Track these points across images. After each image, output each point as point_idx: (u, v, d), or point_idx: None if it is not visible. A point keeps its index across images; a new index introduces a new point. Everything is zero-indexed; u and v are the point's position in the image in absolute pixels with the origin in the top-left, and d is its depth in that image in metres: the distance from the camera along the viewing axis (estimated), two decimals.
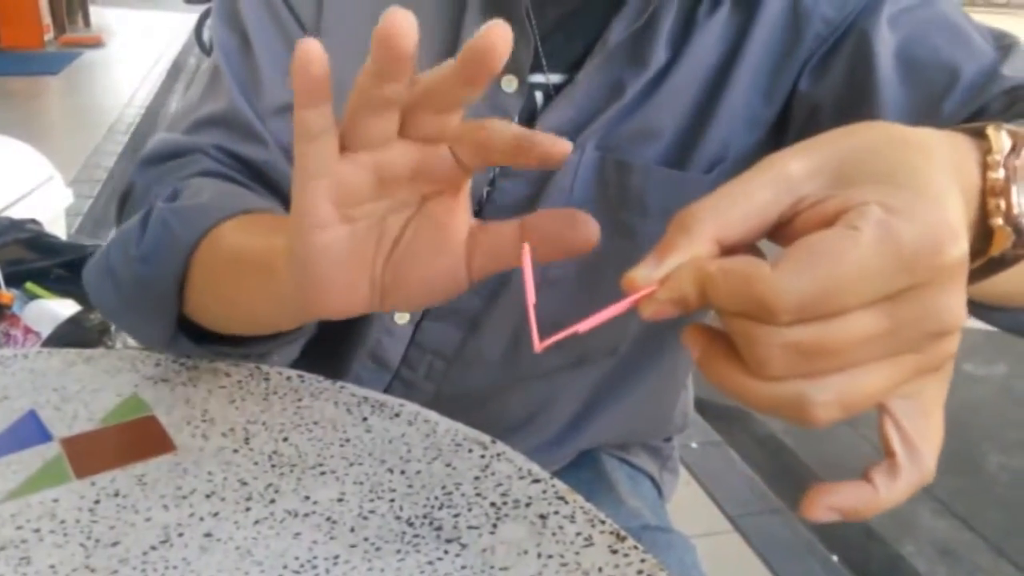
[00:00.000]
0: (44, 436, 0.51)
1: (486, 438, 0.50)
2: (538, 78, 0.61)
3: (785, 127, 0.62)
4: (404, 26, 0.31)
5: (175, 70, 5.24)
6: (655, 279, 0.30)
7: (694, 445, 1.89)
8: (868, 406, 0.29)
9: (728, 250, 0.30)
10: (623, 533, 0.43)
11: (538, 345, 0.33)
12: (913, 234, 0.27)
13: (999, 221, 0.32)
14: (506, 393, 0.71)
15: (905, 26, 0.58)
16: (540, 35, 0.60)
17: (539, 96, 0.62)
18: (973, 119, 0.53)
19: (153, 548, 0.41)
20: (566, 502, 0.45)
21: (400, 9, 0.31)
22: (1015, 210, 0.32)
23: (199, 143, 0.63)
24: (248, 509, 0.44)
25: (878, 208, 0.28)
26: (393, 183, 0.38)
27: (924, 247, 0.27)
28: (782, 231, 0.30)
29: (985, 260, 0.33)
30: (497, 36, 0.31)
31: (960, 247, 0.28)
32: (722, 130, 0.61)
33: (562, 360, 0.68)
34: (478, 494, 0.46)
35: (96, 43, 5.66)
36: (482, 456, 0.49)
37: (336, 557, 0.41)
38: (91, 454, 0.49)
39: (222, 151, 0.63)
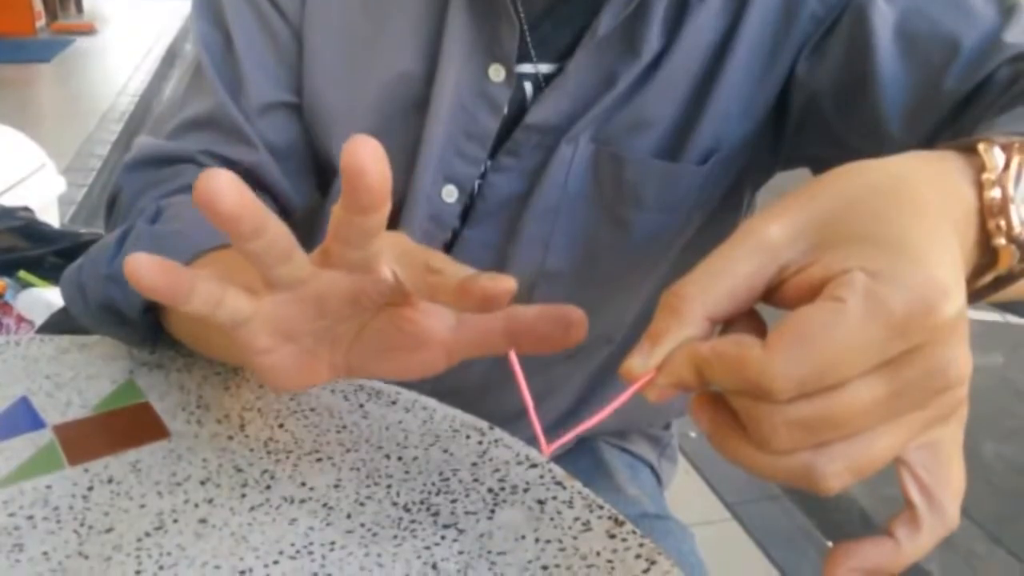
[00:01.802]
0: (37, 423, 0.50)
1: (483, 424, 0.50)
2: (527, 68, 0.60)
3: (783, 114, 0.61)
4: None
5: (170, 58, 5.20)
6: (651, 367, 0.30)
7: (693, 435, 1.89)
8: (879, 467, 0.29)
9: (723, 321, 0.30)
10: (621, 518, 0.42)
11: (546, 449, 0.34)
12: (901, 299, 0.27)
13: (1002, 241, 0.31)
14: (503, 386, 0.70)
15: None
16: (528, 23, 0.59)
17: (528, 87, 0.61)
18: (977, 92, 0.52)
19: (147, 534, 0.41)
20: (564, 487, 0.45)
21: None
22: (1016, 229, 0.31)
23: (187, 150, 0.62)
24: (243, 495, 0.44)
25: (862, 275, 0.27)
26: (331, 310, 0.38)
27: (915, 310, 0.27)
28: (773, 296, 0.30)
29: (992, 278, 0.33)
30: (366, 155, 0.30)
31: (953, 303, 0.27)
32: (716, 120, 0.60)
33: (560, 352, 0.68)
34: (475, 480, 0.45)
35: (89, 30, 5.62)
36: (479, 442, 0.48)
37: (332, 543, 0.41)
38: (84, 441, 0.49)
39: (210, 156, 0.62)
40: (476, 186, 0.63)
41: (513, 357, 0.35)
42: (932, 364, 0.27)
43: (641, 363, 0.30)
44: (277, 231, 0.33)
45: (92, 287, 0.55)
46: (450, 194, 0.62)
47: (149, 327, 0.55)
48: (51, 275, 1.39)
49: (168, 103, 0.67)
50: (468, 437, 0.49)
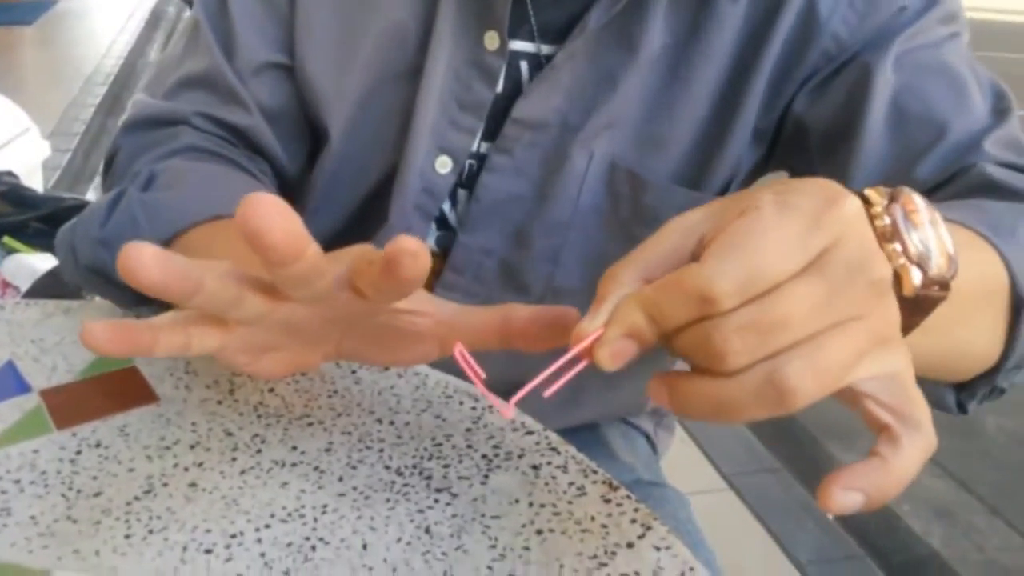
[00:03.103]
0: (22, 387, 0.49)
1: (477, 391, 0.49)
2: (527, 47, 0.58)
3: (775, 139, 0.61)
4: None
5: (154, 20, 5.12)
6: (599, 324, 0.32)
7: None
8: (839, 376, 0.30)
9: None
10: (616, 483, 0.42)
11: (507, 412, 0.34)
12: (805, 197, 0.30)
13: (900, 261, 0.33)
14: (500, 355, 0.69)
15: (907, 69, 0.56)
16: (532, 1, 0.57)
17: (525, 67, 0.59)
18: (939, 188, 0.53)
19: (136, 498, 0.41)
20: (558, 453, 0.44)
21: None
22: (912, 249, 0.33)
23: (183, 112, 0.62)
24: (234, 459, 0.43)
25: (769, 193, 0.31)
26: (303, 329, 0.39)
27: (819, 203, 0.30)
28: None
29: (903, 304, 0.34)
30: (262, 216, 0.30)
31: (851, 198, 0.31)
32: (737, 143, 0.59)
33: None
34: (469, 446, 0.45)
35: None
36: (473, 408, 0.48)
37: (324, 506, 0.40)
38: (71, 405, 0.48)
39: (205, 118, 0.62)
40: (468, 164, 0.61)
41: (460, 351, 0.35)
42: (853, 257, 0.30)
43: (588, 323, 0.32)
44: (214, 286, 0.34)
45: (83, 249, 0.55)
46: (444, 165, 0.60)
47: (138, 292, 0.55)
48: (35, 241, 1.37)
49: (167, 57, 0.66)
50: (461, 403, 0.48)
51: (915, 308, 0.34)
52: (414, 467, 0.43)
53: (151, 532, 0.39)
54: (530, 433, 0.46)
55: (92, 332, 0.33)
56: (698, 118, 0.58)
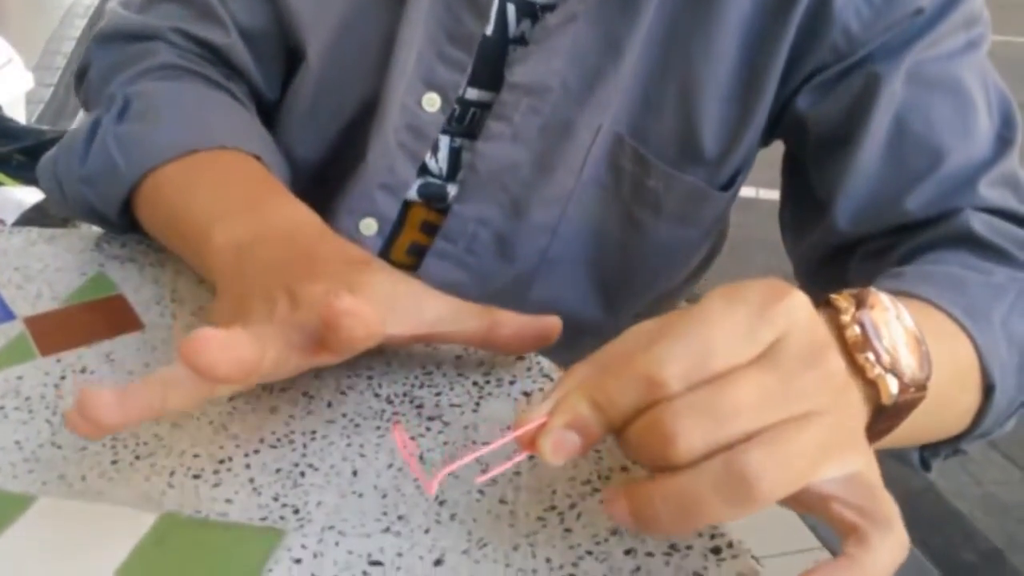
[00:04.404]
0: (6, 315, 0.49)
1: None
2: None
3: (769, 133, 0.59)
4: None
5: None
6: (543, 412, 0.31)
7: None
8: (803, 470, 0.29)
9: None
10: None
11: (430, 488, 0.33)
12: (752, 289, 0.31)
13: (876, 371, 0.33)
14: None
15: (916, 83, 0.53)
16: None
17: (512, 11, 0.56)
18: (924, 227, 0.52)
19: None
20: (551, 379, 0.44)
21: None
22: (884, 357, 0.33)
23: (157, 26, 0.59)
24: None
25: (719, 289, 0.31)
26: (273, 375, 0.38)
27: (767, 295, 0.30)
28: None
29: (881, 412, 0.34)
30: (205, 346, 0.32)
31: (798, 293, 0.31)
32: (751, 136, 0.57)
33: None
34: (460, 374, 0.44)
35: None
36: None
37: (314, 432, 0.40)
38: (56, 332, 0.47)
39: (181, 34, 0.59)
40: (465, 157, 0.59)
41: (397, 432, 0.35)
42: (802, 348, 0.30)
43: (533, 409, 0.32)
44: (176, 396, 0.34)
45: (68, 186, 0.55)
46: (431, 102, 0.58)
47: (126, 226, 0.54)
48: (19, 174, 1.35)
49: None
50: None
51: (894, 414, 0.34)
52: (404, 395, 0.43)
53: (138, 458, 0.38)
54: (520, 359, 0.45)
55: (72, 420, 0.33)
56: (720, 97, 0.56)
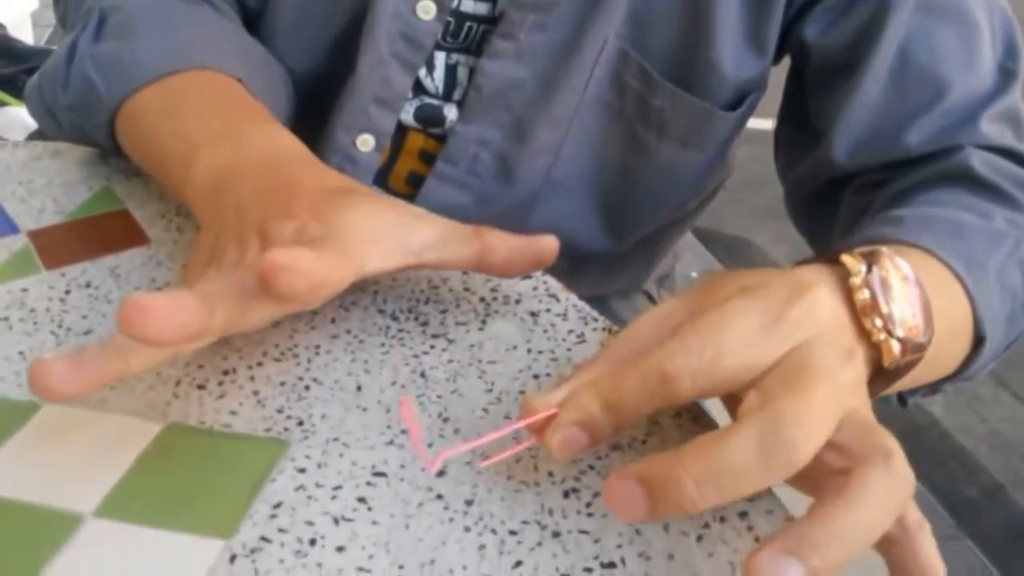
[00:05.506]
0: (11, 228, 0.48)
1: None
2: None
3: (777, 55, 0.58)
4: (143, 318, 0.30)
5: None
6: (552, 402, 0.31)
7: (694, 275, 1.89)
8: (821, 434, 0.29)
9: None
10: (616, 329, 0.41)
11: (431, 466, 0.34)
12: (774, 287, 0.31)
13: (881, 336, 0.33)
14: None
15: (924, 12, 0.52)
16: None
17: None
18: (923, 162, 0.51)
19: None
20: (558, 300, 0.43)
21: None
22: (891, 322, 0.33)
23: None
24: None
25: (741, 284, 0.32)
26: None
27: (787, 295, 0.31)
28: None
29: (880, 372, 0.34)
30: (143, 318, 0.30)
31: (821, 290, 0.32)
32: (763, 62, 0.56)
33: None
34: (466, 290, 0.44)
35: None
36: None
37: (318, 346, 0.40)
38: (61, 246, 0.47)
39: None
40: (467, 73, 0.57)
41: (406, 406, 0.35)
42: (825, 357, 0.30)
43: (542, 397, 0.31)
44: (138, 360, 0.33)
45: (58, 112, 0.53)
46: (426, 10, 0.56)
47: (119, 149, 0.53)
48: None
49: None
50: None
51: (893, 375, 0.34)
52: (409, 311, 0.42)
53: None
54: (527, 278, 0.44)
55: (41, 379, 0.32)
56: (729, 4, 0.54)
